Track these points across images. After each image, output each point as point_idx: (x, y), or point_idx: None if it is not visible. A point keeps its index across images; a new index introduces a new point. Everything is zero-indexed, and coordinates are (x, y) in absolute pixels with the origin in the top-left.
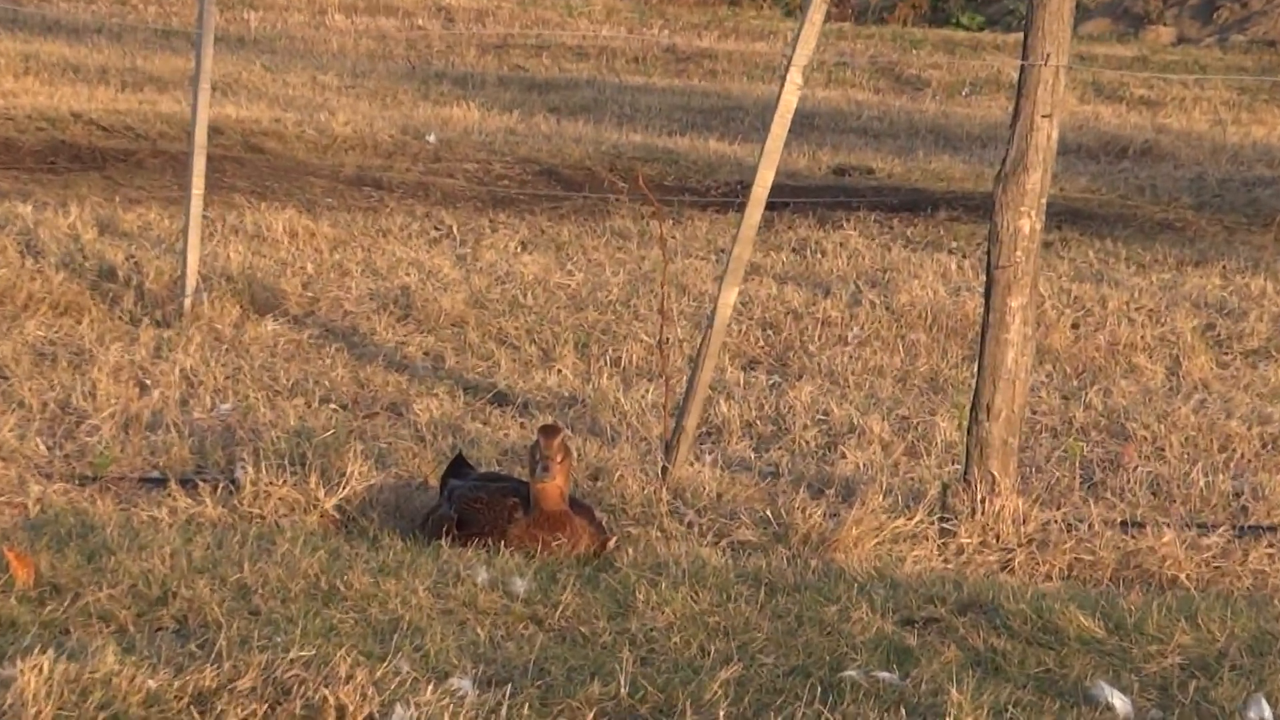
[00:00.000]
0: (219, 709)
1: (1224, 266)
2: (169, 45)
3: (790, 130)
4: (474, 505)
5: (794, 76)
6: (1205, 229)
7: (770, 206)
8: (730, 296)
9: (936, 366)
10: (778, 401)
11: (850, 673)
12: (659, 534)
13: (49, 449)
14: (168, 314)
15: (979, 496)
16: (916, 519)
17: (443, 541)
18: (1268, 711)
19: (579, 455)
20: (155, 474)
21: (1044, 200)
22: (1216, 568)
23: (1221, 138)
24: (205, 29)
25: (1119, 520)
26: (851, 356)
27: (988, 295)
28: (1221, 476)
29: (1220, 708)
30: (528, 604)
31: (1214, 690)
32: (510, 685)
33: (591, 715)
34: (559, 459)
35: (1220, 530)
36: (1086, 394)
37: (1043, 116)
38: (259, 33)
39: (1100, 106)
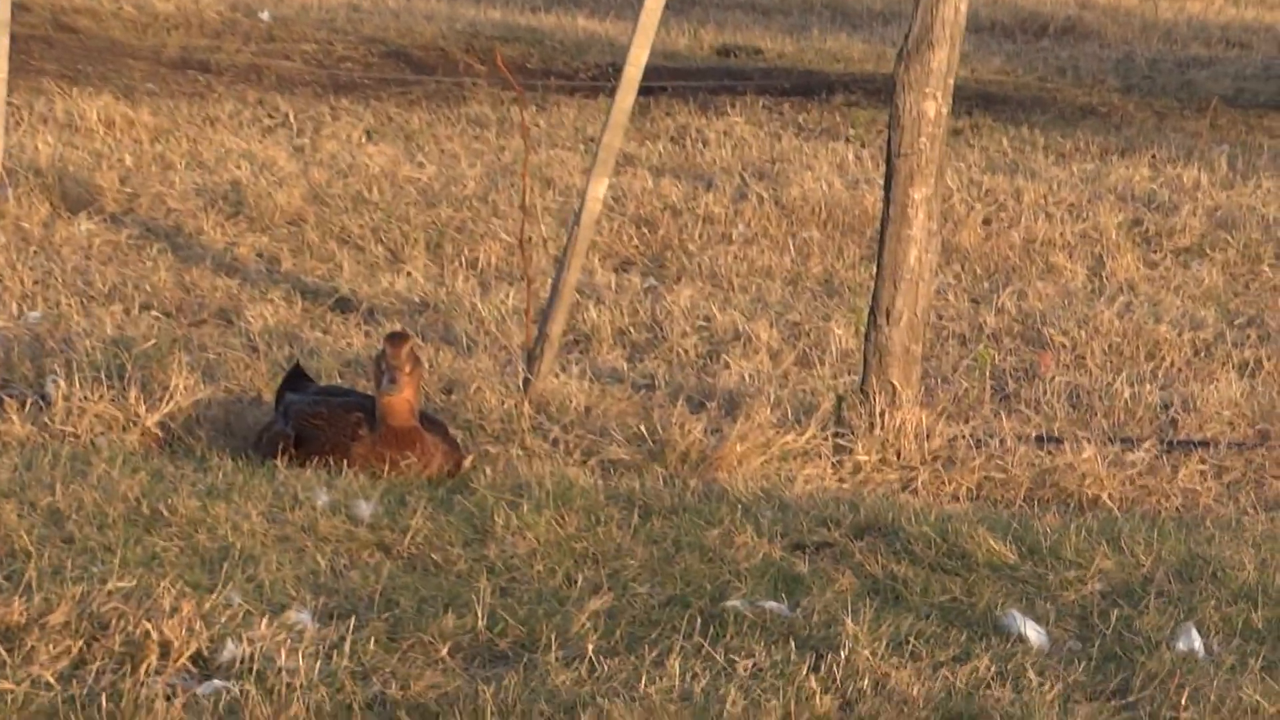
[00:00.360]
0: (29, 645)
1: (1153, 156)
2: None
3: (669, 5)
4: (313, 421)
5: None
6: (1133, 114)
7: (646, 91)
8: (599, 190)
9: (831, 267)
10: (653, 306)
11: (734, 603)
12: (520, 452)
13: None
14: None
15: (878, 409)
16: (808, 434)
17: (279, 461)
18: (1198, 642)
19: (431, 366)
20: None
21: (951, 81)
22: (1142, 486)
23: (1153, 14)
24: None
25: (1034, 435)
26: (736, 256)
27: (888, 187)
28: (1148, 387)
29: (1146, 638)
30: (373, 529)
31: (1139, 620)
32: (354, 618)
33: (445, 649)
34: (407, 369)
35: (1146, 445)
36: (999, 297)
37: None
38: None
39: None
